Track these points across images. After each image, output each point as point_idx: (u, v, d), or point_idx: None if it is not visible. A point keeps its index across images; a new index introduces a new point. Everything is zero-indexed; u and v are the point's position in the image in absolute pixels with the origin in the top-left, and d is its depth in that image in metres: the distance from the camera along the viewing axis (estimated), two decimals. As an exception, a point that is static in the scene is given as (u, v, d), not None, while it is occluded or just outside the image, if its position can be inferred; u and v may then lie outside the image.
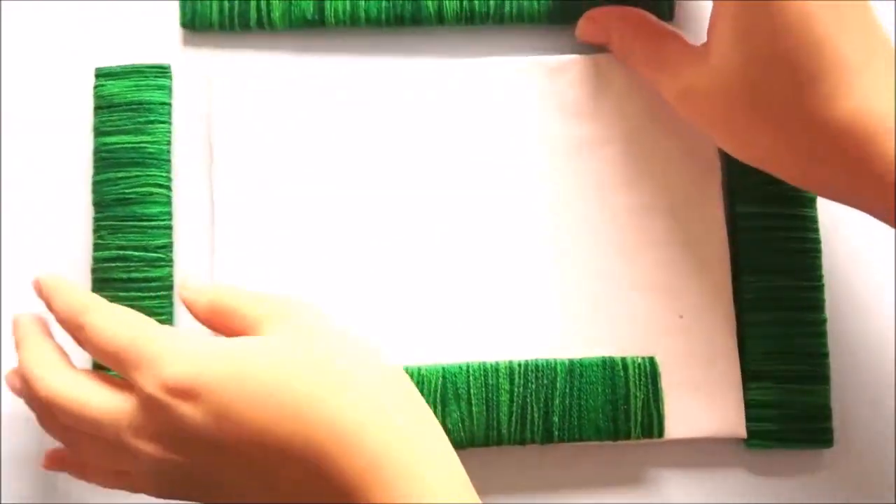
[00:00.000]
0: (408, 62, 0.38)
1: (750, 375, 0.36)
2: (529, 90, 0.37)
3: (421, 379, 0.34)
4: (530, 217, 0.36)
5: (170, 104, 0.38)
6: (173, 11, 0.39)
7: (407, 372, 0.34)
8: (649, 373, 0.34)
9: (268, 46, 0.39)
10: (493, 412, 0.34)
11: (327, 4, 0.38)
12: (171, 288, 0.36)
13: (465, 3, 0.38)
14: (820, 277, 0.36)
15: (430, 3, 0.38)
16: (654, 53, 0.34)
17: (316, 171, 0.37)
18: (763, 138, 0.30)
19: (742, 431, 0.35)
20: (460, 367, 0.34)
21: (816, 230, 0.37)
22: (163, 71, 0.38)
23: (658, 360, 0.35)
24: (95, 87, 0.37)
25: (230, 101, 0.37)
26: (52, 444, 0.36)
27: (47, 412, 0.32)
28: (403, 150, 0.37)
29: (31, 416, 0.35)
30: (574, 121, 0.37)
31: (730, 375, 0.35)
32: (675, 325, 0.36)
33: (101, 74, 0.37)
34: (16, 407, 0.36)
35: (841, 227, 0.38)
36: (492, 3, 0.38)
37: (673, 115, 0.36)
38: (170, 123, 0.38)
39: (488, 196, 0.37)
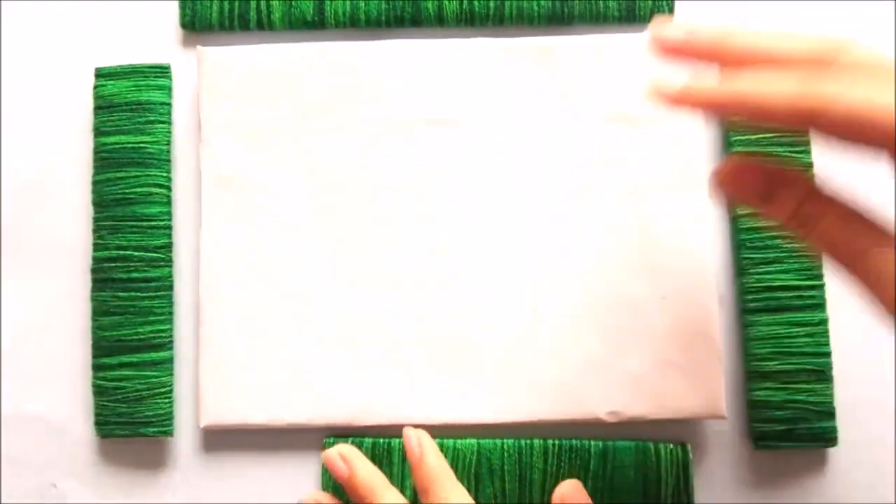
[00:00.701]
0: (392, 44, 0.37)
1: (754, 376, 0.36)
2: (518, 70, 0.37)
3: (456, 453, 0.35)
4: (513, 199, 0.36)
5: (170, 104, 0.38)
6: (173, 12, 0.39)
7: (442, 447, 0.35)
8: (681, 459, 0.35)
9: (267, 47, 0.39)
10: (526, 490, 0.35)
11: (327, 5, 0.38)
12: (170, 288, 0.36)
13: (465, 4, 0.38)
14: (821, 276, 0.36)
15: (429, 4, 0.38)
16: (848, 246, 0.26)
17: (304, 155, 0.36)
18: None
19: (721, 411, 0.35)
20: (495, 444, 0.35)
21: None
22: (163, 71, 0.38)
23: (640, 339, 0.35)
24: (95, 86, 0.37)
25: (219, 75, 0.37)
26: (50, 447, 0.36)
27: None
28: (390, 131, 0.36)
29: (31, 415, 0.36)
30: (562, 101, 0.37)
31: (710, 356, 0.35)
32: (658, 307, 0.36)
33: (101, 74, 0.37)
34: (16, 407, 0.36)
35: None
36: (492, 4, 0.38)
37: (661, 100, 0.36)
38: (170, 123, 0.38)
39: (479, 180, 0.36)
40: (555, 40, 0.37)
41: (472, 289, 0.36)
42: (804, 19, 0.39)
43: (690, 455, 0.35)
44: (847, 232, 0.26)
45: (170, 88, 0.38)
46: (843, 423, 0.36)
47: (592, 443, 0.35)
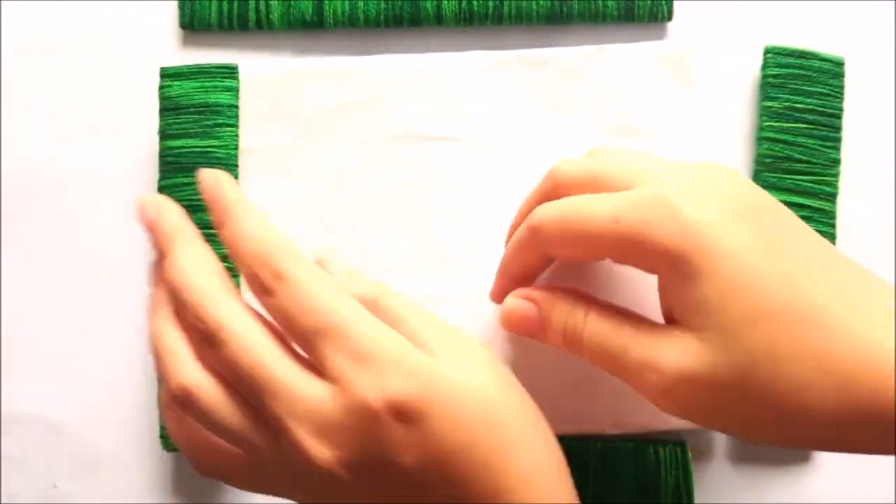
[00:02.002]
0: (386, 58, 0.37)
1: None
2: (512, 84, 0.37)
3: None
4: (512, 211, 0.36)
5: (237, 106, 0.36)
6: (172, 12, 0.38)
7: None
8: (680, 459, 0.35)
9: (266, 47, 0.39)
10: None
11: (326, 5, 0.38)
12: None
13: (464, 3, 0.38)
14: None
15: (428, 3, 0.38)
16: (611, 340, 0.27)
17: (302, 174, 0.36)
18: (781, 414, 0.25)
19: None
20: None
21: (832, 225, 0.37)
22: (230, 71, 0.36)
23: None
24: (161, 87, 0.36)
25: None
26: (48, 447, 0.36)
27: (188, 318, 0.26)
28: (387, 145, 0.37)
29: (31, 415, 0.36)
30: (554, 114, 0.37)
31: None
32: (657, 311, 0.36)
33: (167, 75, 0.36)
34: (16, 407, 0.36)
35: (858, 225, 0.38)
36: (491, 3, 0.38)
37: (652, 113, 0.36)
38: (237, 127, 0.36)
39: (476, 192, 0.37)
40: (547, 52, 0.37)
41: (474, 302, 0.36)
42: (804, 19, 0.39)
43: (690, 455, 0.35)
44: (604, 339, 0.27)
45: (237, 90, 0.36)
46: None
47: (592, 443, 0.35)
